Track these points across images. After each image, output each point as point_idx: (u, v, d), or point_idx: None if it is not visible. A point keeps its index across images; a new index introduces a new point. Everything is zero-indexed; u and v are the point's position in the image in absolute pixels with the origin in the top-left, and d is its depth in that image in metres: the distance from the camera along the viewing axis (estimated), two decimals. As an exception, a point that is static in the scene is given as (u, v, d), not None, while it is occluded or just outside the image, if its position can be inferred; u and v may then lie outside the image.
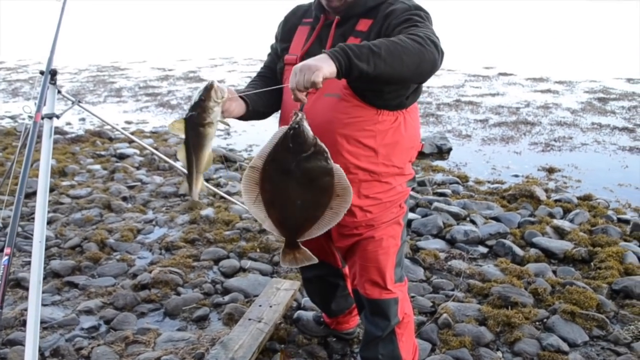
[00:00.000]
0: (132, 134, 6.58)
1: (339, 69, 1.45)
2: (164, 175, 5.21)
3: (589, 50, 13.39)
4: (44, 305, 2.96)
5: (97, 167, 5.34)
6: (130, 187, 4.83)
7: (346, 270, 2.38)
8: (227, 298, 3.06)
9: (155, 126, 7.07)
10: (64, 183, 4.89)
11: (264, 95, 1.90)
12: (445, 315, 2.82)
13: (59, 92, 2.41)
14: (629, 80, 9.49)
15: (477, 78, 9.91)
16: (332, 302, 2.46)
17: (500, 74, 10.23)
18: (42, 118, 2.22)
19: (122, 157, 5.69)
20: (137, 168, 5.40)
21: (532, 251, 3.61)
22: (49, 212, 4.04)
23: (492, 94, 8.64)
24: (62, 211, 4.28)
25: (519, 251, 3.60)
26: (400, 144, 1.85)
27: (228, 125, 1.82)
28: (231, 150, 6.05)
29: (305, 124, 1.52)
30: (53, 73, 2.35)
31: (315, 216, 1.60)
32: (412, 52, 1.51)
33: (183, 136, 1.70)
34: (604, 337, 2.73)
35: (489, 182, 5.07)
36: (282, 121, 1.99)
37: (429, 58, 1.54)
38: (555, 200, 4.48)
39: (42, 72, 2.33)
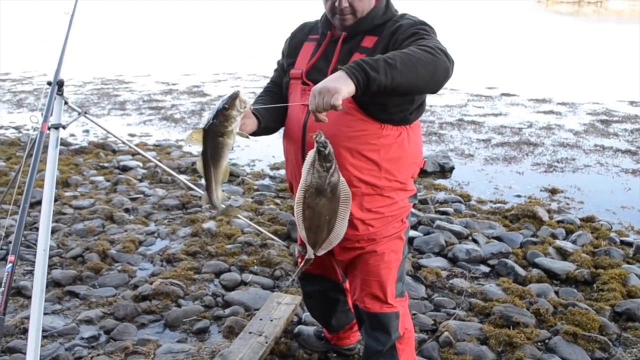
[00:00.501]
0: (135, 146, 6.61)
1: (357, 85, 1.47)
2: (167, 187, 5.22)
3: (592, 72, 13.47)
4: (44, 314, 2.94)
5: (100, 178, 5.35)
6: (133, 199, 4.84)
7: (347, 285, 2.38)
8: (227, 311, 3.05)
9: (159, 139, 7.10)
10: (67, 194, 4.90)
11: (273, 111, 1.92)
12: (446, 333, 2.81)
13: (66, 102, 2.43)
14: (631, 103, 9.53)
15: (480, 98, 9.96)
16: (333, 317, 2.45)
17: (503, 94, 10.28)
18: (49, 128, 2.24)
19: (125, 169, 5.71)
20: (140, 180, 5.41)
21: (535, 271, 3.60)
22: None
23: (495, 114, 8.68)
24: (65, 221, 4.28)
25: (521, 271, 3.59)
26: (403, 159, 1.87)
27: (248, 137, 1.83)
28: (234, 164, 6.07)
29: (328, 142, 1.62)
30: (60, 84, 2.38)
31: (332, 225, 1.66)
32: (425, 62, 1.54)
33: (201, 147, 1.71)
34: (607, 359, 2.71)
35: (491, 201, 5.07)
36: (286, 136, 2.00)
37: (442, 67, 1.58)
38: (558, 221, 4.48)
39: (49, 83, 2.36)
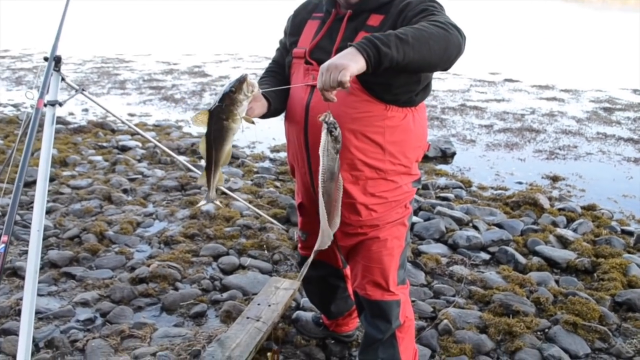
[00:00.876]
0: (135, 126, 6.55)
1: (367, 60, 1.43)
2: (166, 169, 5.18)
3: (595, 59, 13.35)
4: (39, 295, 2.92)
5: (99, 158, 5.31)
6: (131, 180, 4.80)
7: (347, 271, 2.35)
8: (225, 295, 3.02)
9: (159, 119, 7.03)
10: (65, 173, 4.85)
11: (280, 92, 1.87)
12: (445, 321, 2.79)
13: (63, 79, 2.37)
14: (635, 91, 9.45)
15: (483, 83, 9.87)
16: (332, 303, 2.42)
17: (506, 80, 10.19)
18: (45, 105, 2.18)
19: (124, 149, 5.66)
20: (139, 161, 5.36)
21: (535, 259, 3.57)
22: (48, 201, 4.01)
23: (498, 99, 8.60)
24: (62, 201, 4.24)
25: (521, 259, 3.56)
26: (408, 142, 1.82)
27: (253, 122, 1.77)
28: (234, 146, 6.01)
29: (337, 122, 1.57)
30: (57, 60, 2.32)
31: (338, 210, 1.66)
32: (437, 37, 1.49)
33: (205, 129, 1.66)
34: (606, 350, 2.70)
35: (492, 188, 5.03)
36: (287, 117, 1.95)
37: (454, 42, 1.53)
38: (559, 209, 4.44)
39: (46, 59, 2.30)
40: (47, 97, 2.21)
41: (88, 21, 16.87)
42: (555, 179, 5.27)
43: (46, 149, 2.06)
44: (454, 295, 3.12)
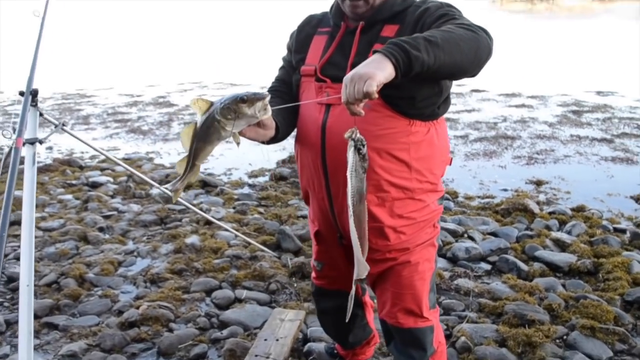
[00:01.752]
0: (103, 161, 6.28)
1: (396, 66, 1.29)
2: (141, 202, 4.93)
3: (555, 65, 13.70)
4: (19, 352, 2.65)
5: (69, 197, 5.02)
6: (106, 217, 4.54)
7: (365, 298, 2.20)
8: (225, 332, 2.81)
9: (128, 152, 6.77)
10: (34, 215, 4.55)
11: (288, 115, 1.72)
12: (463, 338, 2.65)
13: (41, 114, 2.18)
14: (598, 92, 9.69)
15: (452, 95, 9.85)
16: (350, 333, 2.25)
17: (473, 90, 10.30)
18: (24, 144, 1.98)
19: (94, 185, 5.38)
20: (112, 196, 5.10)
21: (537, 265, 3.50)
22: (18, 247, 3.73)
23: (468, 110, 8.66)
24: (34, 245, 3.95)
25: (523, 266, 3.48)
26: (433, 157, 1.70)
27: (238, 143, 1.60)
28: (210, 174, 5.81)
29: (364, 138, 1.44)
30: (34, 94, 2.11)
31: (366, 234, 1.49)
32: (467, 39, 1.38)
33: (198, 117, 1.50)
34: (628, 351, 2.62)
35: (479, 197, 4.98)
36: (300, 139, 1.80)
37: (483, 44, 1.43)
38: (550, 213, 4.40)
39: (22, 93, 2.10)
40: (26, 135, 2.01)
41: (43, 56, 16.42)
42: (539, 183, 5.26)
43: (29, 193, 1.87)
44: (464, 310, 3.00)
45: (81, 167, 5.97)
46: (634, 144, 6.41)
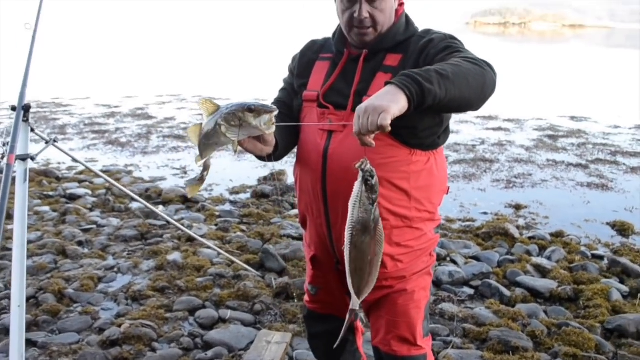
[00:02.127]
0: (81, 173, 6.16)
1: (410, 98, 1.31)
2: (121, 217, 4.85)
3: (530, 89, 14.06)
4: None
5: (46, 208, 4.91)
6: (86, 231, 4.44)
7: (357, 323, 2.19)
8: (210, 353, 2.77)
9: (106, 165, 6.65)
10: (10, 227, 4.41)
11: (287, 136, 1.73)
12: (449, 364, 2.66)
13: (33, 130, 2.14)
14: (572, 118, 9.96)
15: (429, 116, 10.10)
16: (340, 358, 2.23)
17: (451, 112, 10.49)
18: (16, 160, 1.94)
19: (72, 197, 5.27)
20: (91, 209, 5.00)
21: (519, 291, 3.55)
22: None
23: (447, 132, 8.80)
24: (10, 258, 3.83)
25: (505, 292, 3.53)
26: (433, 187, 1.73)
27: (236, 151, 1.59)
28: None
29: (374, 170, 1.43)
30: (26, 109, 2.07)
31: (373, 267, 1.46)
32: (475, 73, 1.42)
33: (204, 118, 1.49)
34: (610, 380, 2.66)
35: (460, 220, 5.04)
36: (300, 164, 1.81)
37: (489, 78, 1.46)
38: (530, 238, 4.49)
39: (13, 108, 2.06)
40: (18, 151, 1.96)
41: (16, 64, 16.11)
42: (518, 207, 5.36)
43: (20, 209, 1.82)
44: (449, 335, 3.01)
45: (58, 179, 5.85)
46: (608, 170, 6.60)
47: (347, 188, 1.48)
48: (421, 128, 1.63)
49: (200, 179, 1.63)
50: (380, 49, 1.68)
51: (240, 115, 1.43)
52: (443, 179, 1.79)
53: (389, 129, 1.29)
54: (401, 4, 1.75)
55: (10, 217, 4.64)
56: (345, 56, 1.73)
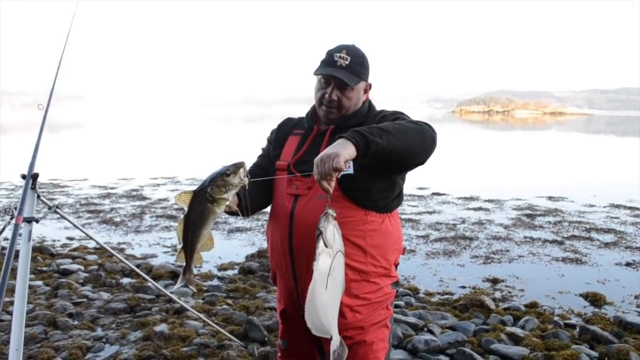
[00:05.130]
0: (75, 250, 6.35)
1: (356, 145, 1.60)
2: (111, 291, 5.00)
3: (510, 172, 14.64)
4: None
5: (39, 282, 5.06)
6: (76, 304, 4.58)
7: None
8: (192, 416, 2.87)
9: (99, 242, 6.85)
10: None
11: (259, 193, 2.00)
12: (421, 423, 2.78)
13: (39, 197, 2.41)
14: (549, 198, 10.37)
15: (414, 197, 10.46)
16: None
17: (434, 193, 10.87)
18: (23, 221, 2.19)
19: (65, 273, 5.43)
20: (82, 284, 5.16)
21: (492, 358, 3.70)
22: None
23: (429, 211, 9.12)
24: (2, 329, 3.97)
25: (479, 359, 3.67)
26: (387, 245, 1.97)
27: (238, 213, 1.79)
28: (180, 266, 5.92)
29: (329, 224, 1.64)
30: (34, 177, 2.36)
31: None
32: (413, 129, 1.73)
33: (185, 209, 1.65)
34: None
35: (438, 293, 5.23)
36: (271, 224, 2.07)
37: (428, 134, 1.77)
38: (505, 309, 4.67)
39: (23, 177, 2.35)
40: (24, 214, 2.22)
41: (18, 144, 16.61)
42: (495, 281, 5.56)
43: (23, 265, 2.04)
44: (422, 398, 3.14)
45: (52, 255, 6.03)
46: (583, 246, 6.87)
47: (310, 243, 1.72)
48: (375, 191, 1.91)
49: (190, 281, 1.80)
50: (344, 126, 1.99)
51: (223, 183, 1.63)
52: (397, 239, 2.04)
53: (344, 168, 1.57)
54: (366, 91, 2.08)
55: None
56: (314, 131, 2.05)
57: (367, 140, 1.64)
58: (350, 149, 1.61)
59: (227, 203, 1.69)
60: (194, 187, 1.74)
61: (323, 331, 1.72)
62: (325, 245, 1.64)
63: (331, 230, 1.64)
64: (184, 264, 1.78)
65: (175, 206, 9.26)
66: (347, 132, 1.67)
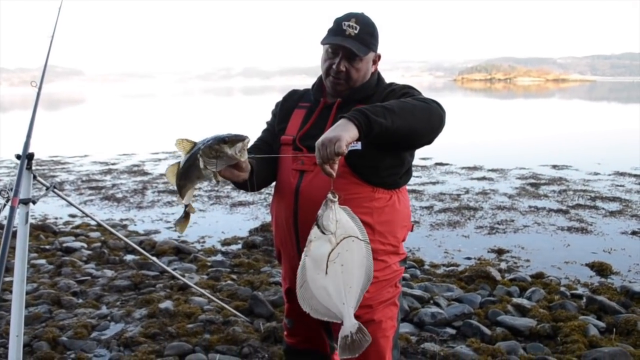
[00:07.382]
0: (77, 227, 6.32)
1: (359, 127, 1.53)
2: (115, 268, 4.98)
3: (513, 140, 14.51)
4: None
5: (42, 261, 5.04)
6: (80, 282, 4.57)
7: (335, 356, 2.32)
8: (199, 394, 2.87)
9: (102, 219, 6.82)
10: (7, 279, 4.54)
11: (263, 168, 1.92)
12: (429, 397, 2.77)
13: (35, 177, 2.34)
14: (554, 166, 10.28)
15: (417, 168, 10.39)
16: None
17: (437, 163, 10.79)
18: (19, 203, 2.13)
19: (68, 250, 5.41)
20: (86, 262, 5.14)
21: (499, 330, 3.67)
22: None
23: (433, 182, 9.06)
24: (7, 309, 3.95)
25: (486, 330, 3.65)
26: (395, 222, 1.91)
27: (218, 182, 1.74)
28: (184, 242, 5.91)
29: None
30: (30, 157, 2.29)
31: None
32: (420, 107, 1.65)
33: (182, 156, 1.63)
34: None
35: (444, 265, 5.20)
36: (276, 201, 2.00)
37: (435, 112, 1.68)
38: (511, 280, 4.64)
39: (18, 157, 2.28)
40: (20, 195, 2.16)
41: (17, 122, 16.50)
42: (500, 252, 5.53)
43: (21, 248, 1.99)
44: (430, 372, 3.12)
45: (55, 233, 6.00)
46: (588, 215, 6.82)
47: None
48: (383, 167, 1.84)
49: (186, 217, 1.80)
50: (351, 100, 1.91)
51: (217, 148, 1.57)
52: (406, 216, 1.97)
53: (346, 152, 1.50)
54: (375, 62, 1.99)
55: (8, 270, 4.79)
56: (321, 104, 1.96)
57: (369, 120, 1.56)
58: (352, 131, 1.54)
59: (214, 170, 1.60)
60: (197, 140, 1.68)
61: (328, 315, 1.67)
62: (323, 232, 1.58)
63: (331, 217, 1.59)
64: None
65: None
66: (350, 112, 1.59)
